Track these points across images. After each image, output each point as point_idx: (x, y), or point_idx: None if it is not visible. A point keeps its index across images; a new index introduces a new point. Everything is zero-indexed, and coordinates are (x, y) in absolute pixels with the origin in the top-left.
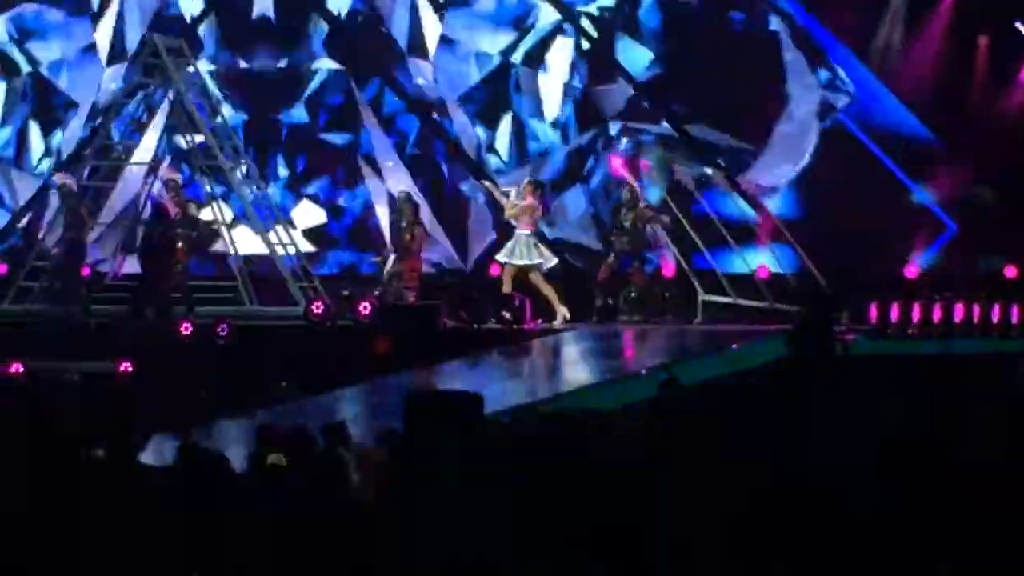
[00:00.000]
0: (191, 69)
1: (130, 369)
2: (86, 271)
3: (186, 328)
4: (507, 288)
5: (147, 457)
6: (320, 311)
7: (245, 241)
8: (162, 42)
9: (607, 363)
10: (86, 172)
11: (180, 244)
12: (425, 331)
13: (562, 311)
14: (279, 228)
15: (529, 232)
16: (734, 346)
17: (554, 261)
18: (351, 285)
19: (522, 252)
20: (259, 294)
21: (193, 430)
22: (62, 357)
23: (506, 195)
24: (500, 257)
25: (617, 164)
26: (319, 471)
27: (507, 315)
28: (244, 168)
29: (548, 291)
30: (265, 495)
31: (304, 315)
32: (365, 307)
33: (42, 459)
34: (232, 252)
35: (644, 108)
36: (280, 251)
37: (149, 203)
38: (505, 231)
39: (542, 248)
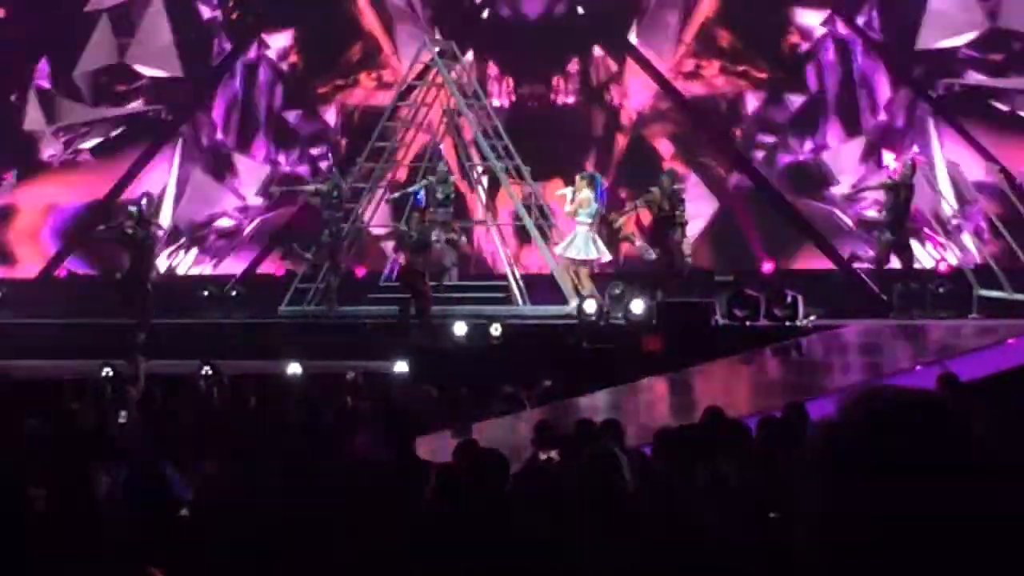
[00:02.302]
0: (461, 70)
1: (406, 369)
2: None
3: (460, 328)
4: (573, 281)
5: (421, 454)
6: (592, 309)
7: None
8: (433, 44)
9: (880, 360)
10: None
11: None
12: (698, 329)
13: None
14: (548, 227)
15: (588, 227)
16: (1010, 341)
17: (608, 257)
18: (621, 282)
19: (579, 247)
20: (531, 293)
21: (469, 428)
22: (343, 357)
23: (563, 196)
24: (557, 249)
25: (889, 158)
26: (594, 469)
27: (779, 312)
28: (514, 167)
29: (588, 288)
30: (540, 493)
31: (576, 314)
32: (637, 305)
33: (316, 458)
34: (502, 251)
35: None
36: (550, 249)
37: (414, 201)
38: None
39: (599, 243)
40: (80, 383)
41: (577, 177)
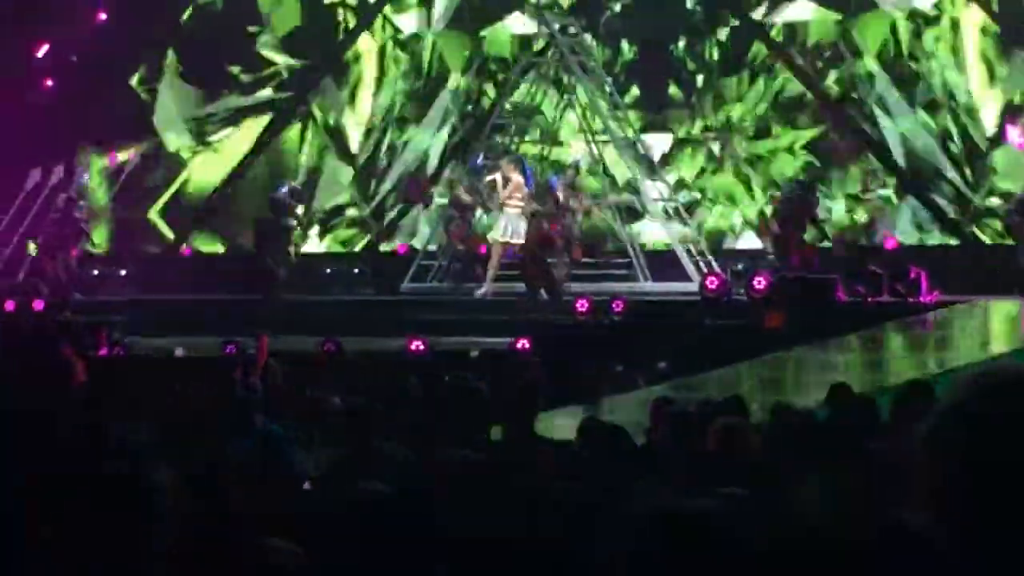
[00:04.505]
0: (573, 31)
1: (528, 346)
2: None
3: (582, 305)
4: (494, 263)
5: (545, 432)
6: (715, 286)
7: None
8: (553, 20)
9: (1008, 337)
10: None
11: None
12: (819, 305)
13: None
14: (669, 203)
15: (519, 211)
16: None
17: (522, 240)
18: (742, 260)
19: (515, 231)
20: (653, 270)
21: (595, 405)
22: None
23: (492, 184)
24: (492, 235)
25: (1014, 134)
26: (715, 444)
27: (901, 288)
28: (630, 134)
29: (493, 271)
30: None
31: (699, 290)
32: (760, 281)
33: (439, 435)
34: (623, 227)
35: None
36: (673, 225)
37: (551, 189)
38: None
39: (522, 228)
40: (205, 359)
41: (503, 162)
